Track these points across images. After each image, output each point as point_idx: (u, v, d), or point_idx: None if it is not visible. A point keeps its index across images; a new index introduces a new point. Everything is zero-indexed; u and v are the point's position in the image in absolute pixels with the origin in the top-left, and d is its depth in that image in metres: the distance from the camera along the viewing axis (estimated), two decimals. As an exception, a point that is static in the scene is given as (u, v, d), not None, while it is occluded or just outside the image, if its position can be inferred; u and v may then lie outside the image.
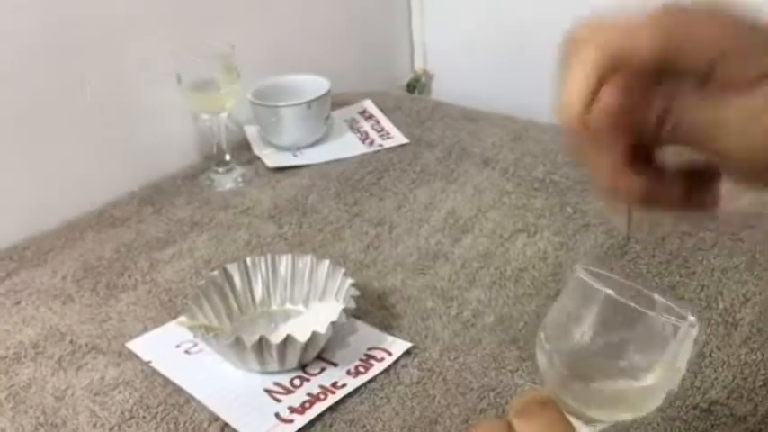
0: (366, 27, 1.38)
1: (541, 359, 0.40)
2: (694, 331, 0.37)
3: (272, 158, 1.07)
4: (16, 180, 0.94)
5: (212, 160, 1.03)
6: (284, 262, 0.77)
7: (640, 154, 0.34)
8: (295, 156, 1.08)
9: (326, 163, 1.06)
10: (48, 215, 0.95)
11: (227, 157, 1.02)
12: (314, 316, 0.74)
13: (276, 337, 0.67)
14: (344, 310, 0.69)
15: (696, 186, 0.36)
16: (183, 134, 1.10)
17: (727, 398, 0.63)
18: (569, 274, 0.40)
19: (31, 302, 0.81)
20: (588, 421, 0.40)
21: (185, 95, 0.98)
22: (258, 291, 0.77)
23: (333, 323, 0.68)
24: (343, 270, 0.75)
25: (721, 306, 0.73)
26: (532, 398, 0.39)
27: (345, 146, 1.10)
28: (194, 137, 1.10)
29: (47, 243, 0.91)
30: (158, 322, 0.77)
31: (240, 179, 1.02)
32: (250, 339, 0.66)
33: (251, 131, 1.12)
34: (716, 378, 0.65)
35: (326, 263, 0.76)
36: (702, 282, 0.76)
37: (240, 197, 0.99)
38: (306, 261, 0.77)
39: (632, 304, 0.37)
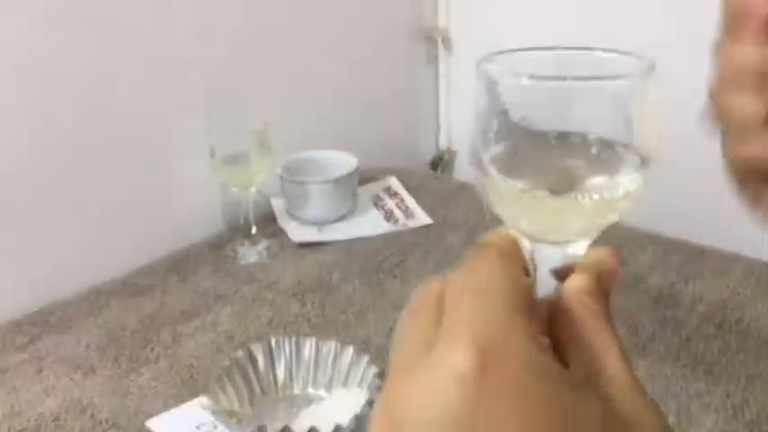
0: (394, 105, 1.41)
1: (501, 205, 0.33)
2: (647, 78, 0.31)
3: (296, 232, 1.08)
4: (43, 244, 0.95)
5: (238, 231, 1.05)
6: (308, 345, 0.77)
7: None
8: (319, 230, 1.09)
9: (350, 240, 1.07)
10: (73, 280, 0.96)
11: (254, 230, 1.04)
12: (336, 403, 0.74)
13: (299, 427, 0.66)
14: (368, 402, 0.69)
15: None
16: (211, 205, 1.11)
17: None
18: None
19: (54, 371, 0.81)
20: (575, 239, 0.34)
21: (217, 168, 0.99)
22: (281, 373, 0.77)
23: (356, 416, 0.67)
24: (367, 357, 0.75)
25: (747, 417, 0.72)
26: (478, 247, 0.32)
27: (370, 223, 1.11)
28: (221, 207, 1.12)
29: (71, 309, 0.92)
30: (179, 400, 0.77)
31: (265, 252, 1.03)
32: (273, 427, 0.66)
33: (277, 204, 1.13)
34: (743, 495, 0.64)
35: (351, 349, 0.76)
36: (728, 389, 0.76)
37: (264, 271, 1.00)
38: (330, 346, 0.77)
39: (560, 81, 0.31)
